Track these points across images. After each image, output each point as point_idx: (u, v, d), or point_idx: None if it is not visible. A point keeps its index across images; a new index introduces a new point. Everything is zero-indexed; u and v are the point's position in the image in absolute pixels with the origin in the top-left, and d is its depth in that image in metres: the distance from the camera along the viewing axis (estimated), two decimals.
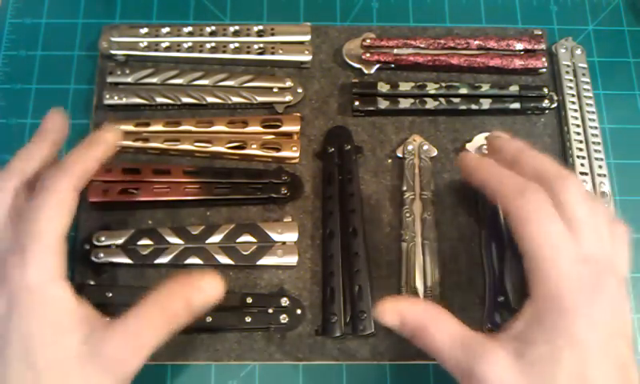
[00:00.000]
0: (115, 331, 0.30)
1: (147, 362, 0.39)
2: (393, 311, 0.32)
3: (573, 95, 0.46)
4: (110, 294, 0.39)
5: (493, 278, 0.40)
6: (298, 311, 0.40)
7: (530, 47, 0.47)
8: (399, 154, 0.44)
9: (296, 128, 0.44)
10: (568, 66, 0.47)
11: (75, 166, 0.33)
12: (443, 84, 0.46)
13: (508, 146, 0.35)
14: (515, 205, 0.31)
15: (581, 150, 0.44)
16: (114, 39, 0.46)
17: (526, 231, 0.30)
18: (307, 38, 0.47)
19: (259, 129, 0.44)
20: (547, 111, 0.46)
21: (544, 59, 0.47)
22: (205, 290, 0.32)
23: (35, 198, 0.31)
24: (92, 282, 0.40)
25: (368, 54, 0.46)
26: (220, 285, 0.32)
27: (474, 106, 0.45)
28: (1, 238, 0.31)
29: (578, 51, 0.47)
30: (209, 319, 0.39)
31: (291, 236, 0.41)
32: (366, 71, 0.47)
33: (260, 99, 0.45)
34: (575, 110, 0.46)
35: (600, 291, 0.29)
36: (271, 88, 0.46)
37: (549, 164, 0.33)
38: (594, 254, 0.30)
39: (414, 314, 0.32)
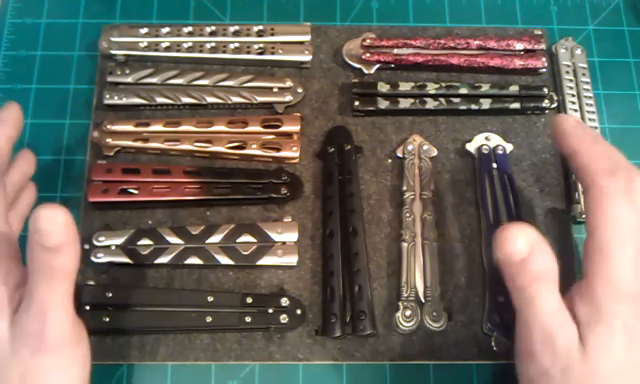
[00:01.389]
0: (20, 309, 0.30)
1: (148, 362, 0.40)
2: (525, 242, 0.30)
3: (573, 95, 0.46)
4: (110, 294, 0.39)
5: (493, 278, 0.40)
6: (298, 311, 0.40)
7: (530, 47, 0.47)
8: (399, 154, 0.44)
9: (296, 128, 0.44)
10: (568, 66, 0.47)
11: None
12: (443, 84, 0.46)
13: (585, 131, 0.34)
14: (603, 182, 0.31)
15: None
16: (114, 39, 0.46)
17: (605, 210, 0.30)
18: (307, 38, 0.47)
19: (259, 129, 0.44)
20: (547, 111, 0.46)
21: (544, 59, 0.47)
22: (43, 225, 0.28)
23: None
24: (92, 282, 0.40)
25: (368, 54, 0.46)
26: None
27: (473, 106, 0.45)
28: None
29: (578, 51, 0.47)
30: (209, 319, 0.39)
31: (291, 236, 0.41)
32: (366, 71, 0.47)
33: (260, 99, 0.45)
34: (575, 110, 0.46)
35: None
36: (271, 88, 0.46)
37: (622, 157, 0.32)
38: None
39: (542, 259, 0.30)
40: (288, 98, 0.45)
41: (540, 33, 0.48)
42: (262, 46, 0.47)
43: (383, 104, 0.45)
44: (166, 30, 0.47)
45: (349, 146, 0.44)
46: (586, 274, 0.31)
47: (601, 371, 0.29)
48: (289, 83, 0.46)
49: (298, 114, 0.45)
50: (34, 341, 0.29)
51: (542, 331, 0.30)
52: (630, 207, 0.30)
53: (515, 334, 0.33)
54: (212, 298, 0.40)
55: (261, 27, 0.47)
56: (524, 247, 0.30)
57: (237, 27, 0.47)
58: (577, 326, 0.30)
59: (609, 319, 0.29)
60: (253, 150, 0.43)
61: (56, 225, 0.28)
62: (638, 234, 0.30)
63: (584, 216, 0.42)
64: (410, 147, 0.44)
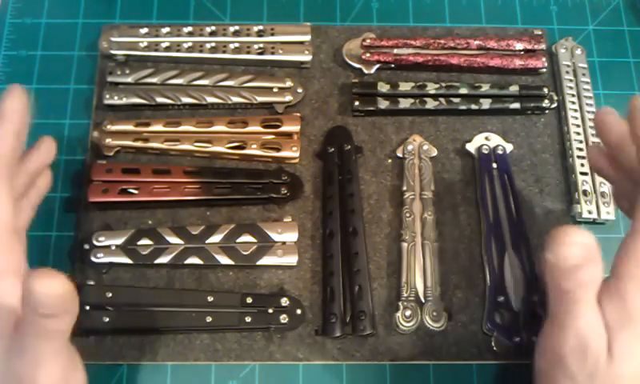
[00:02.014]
0: (14, 349, 0.28)
1: (148, 362, 0.40)
2: (580, 250, 0.28)
3: (573, 95, 0.46)
4: (110, 294, 0.39)
5: (493, 278, 0.40)
6: (298, 311, 0.40)
7: (529, 47, 0.47)
8: (399, 154, 0.44)
9: (296, 128, 0.44)
10: (568, 66, 0.47)
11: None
12: (443, 84, 0.46)
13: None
14: None
15: (581, 149, 0.44)
16: (114, 39, 0.46)
17: None
18: (307, 38, 0.47)
19: (259, 129, 0.44)
20: (547, 111, 0.46)
21: (544, 59, 0.47)
22: (37, 294, 0.26)
23: None
24: (92, 282, 0.40)
25: (368, 54, 0.46)
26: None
27: (473, 106, 0.45)
28: None
29: (578, 51, 0.47)
30: (209, 319, 0.39)
31: (291, 236, 0.41)
32: (366, 71, 0.47)
33: (260, 99, 0.45)
34: (575, 110, 0.46)
35: None
36: (271, 88, 0.46)
37: None
38: None
39: (593, 269, 0.29)
40: (288, 98, 0.45)
41: (540, 33, 0.48)
42: (262, 46, 0.47)
43: (383, 104, 0.45)
44: (166, 29, 0.47)
45: (349, 146, 0.44)
46: (617, 274, 0.30)
47: (626, 376, 0.28)
48: (289, 83, 0.46)
49: (298, 114, 0.45)
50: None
51: (577, 336, 0.29)
52: None
53: (542, 333, 0.32)
54: (212, 298, 0.40)
55: (261, 27, 0.47)
56: (580, 253, 0.28)
57: (237, 27, 0.47)
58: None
59: (637, 323, 0.29)
60: (253, 150, 0.43)
61: (52, 297, 0.26)
62: None
63: (584, 216, 0.42)
64: (409, 147, 0.44)
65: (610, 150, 0.34)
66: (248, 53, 0.46)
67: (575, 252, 0.28)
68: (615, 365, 0.29)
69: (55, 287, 0.26)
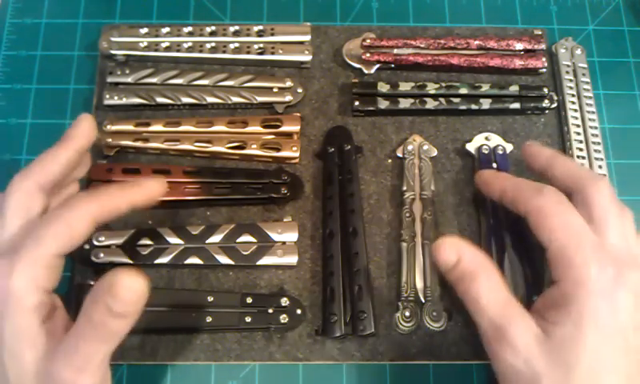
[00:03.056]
0: (58, 352, 0.29)
1: (147, 362, 0.40)
2: (453, 248, 0.32)
3: (573, 95, 0.46)
4: None
5: None
6: (298, 311, 0.40)
7: (529, 47, 0.47)
8: (399, 154, 0.44)
9: (296, 128, 0.44)
10: (568, 66, 0.47)
11: (104, 200, 0.32)
12: (443, 84, 0.46)
13: (543, 151, 0.38)
14: (534, 203, 0.33)
15: (581, 150, 0.44)
16: (114, 39, 0.46)
17: (547, 224, 0.32)
18: (307, 38, 0.47)
19: (259, 129, 0.44)
20: (547, 111, 0.46)
21: (544, 59, 0.47)
22: (121, 291, 0.28)
23: (52, 211, 0.31)
24: (92, 282, 0.40)
25: (368, 54, 0.46)
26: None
27: (473, 106, 0.45)
28: (7, 233, 0.31)
29: (578, 51, 0.47)
30: (209, 319, 0.39)
31: (291, 236, 0.41)
32: (366, 71, 0.47)
33: (260, 99, 0.45)
34: (575, 110, 0.46)
35: (624, 282, 0.30)
36: (271, 88, 0.46)
37: (582, 168, 0.35)
38: (618, 249, 0.31)
39: (471, 258, 0.32)
40: (288, 98, 0.45)
41: (540, 33, 0.48)
42: (261, 46, 0.47)
43: (383, 104, 0.45)
44: (166, 29, 0.47)
45: (349, 146, 0.44)
46: (554, 282, 0.32)
47: (570, 363, 0.29)
48: (289, 83, 0.46)
49: (298, 114, 0.45)
50: None
51: (493, 327, 0.31)
52: (566, 212, 0.32)
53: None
54: (212, 298, 0.40)
55: (261, 27, 0.47)
56: (452, 252, 0.32)
57: (237, 27, 0.47)
58: (545, 325, 0.30)
59: (575, 314, 0.30)
60: (253, 150, 0.43)
61: (133, 295, 0.28)
62: (586, 229, 0.32)
63: None
64: (409, 147, 0.44)
65: (537, 175, 0.38)
66: (248, 53, 0.46)
67: (447, 251, 0.32)
68: (556, 352, 0.29)
69: (139, 286, 0.28)
